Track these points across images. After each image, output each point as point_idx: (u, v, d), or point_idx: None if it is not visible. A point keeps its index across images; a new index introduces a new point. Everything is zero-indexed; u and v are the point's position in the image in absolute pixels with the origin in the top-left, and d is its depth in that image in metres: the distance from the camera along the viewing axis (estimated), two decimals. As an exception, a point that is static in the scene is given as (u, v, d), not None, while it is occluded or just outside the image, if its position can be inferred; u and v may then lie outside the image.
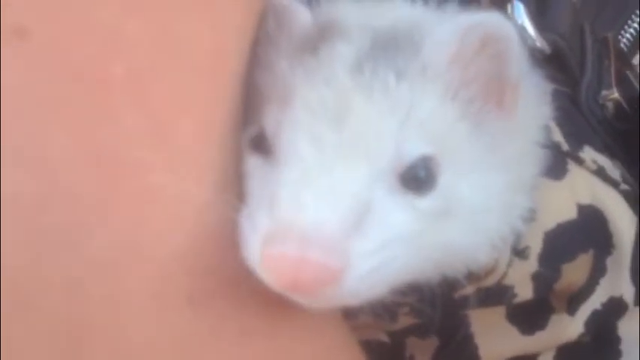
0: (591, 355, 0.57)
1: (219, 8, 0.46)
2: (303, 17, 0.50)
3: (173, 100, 0.43)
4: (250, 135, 0.47)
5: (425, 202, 0.45)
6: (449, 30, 0.47)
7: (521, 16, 0.60)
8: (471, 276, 0.52)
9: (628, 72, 0.67)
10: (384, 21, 0.49)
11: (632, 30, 0.71)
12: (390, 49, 0.46)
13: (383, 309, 0.54)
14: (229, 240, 0.43)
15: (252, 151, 0.47)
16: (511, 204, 0.50)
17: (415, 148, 0.45)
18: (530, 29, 0.60)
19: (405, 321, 0.56)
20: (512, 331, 0.56)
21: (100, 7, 0.41)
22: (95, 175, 0.41)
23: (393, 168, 0.44)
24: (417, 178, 0.45)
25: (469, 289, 0.53)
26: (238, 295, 0.44)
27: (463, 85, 0.47)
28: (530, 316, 0.56)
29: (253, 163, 0.46)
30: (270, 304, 0.43)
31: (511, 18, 0.59)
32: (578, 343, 0.56)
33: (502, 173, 0.48)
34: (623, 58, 0.67)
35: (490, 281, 0.53)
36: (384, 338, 0.58)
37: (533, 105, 0.52)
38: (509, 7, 0.60)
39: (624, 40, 0.71)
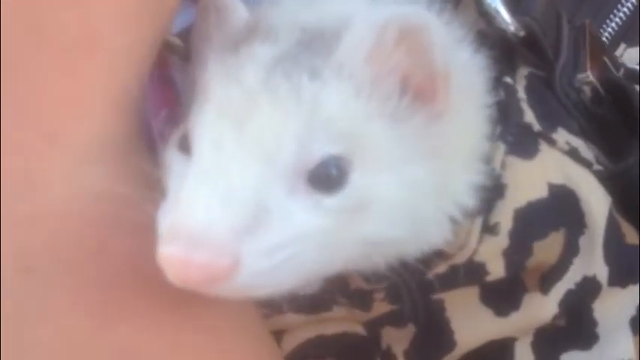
0: (568, 339, 0.56)
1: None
2: (238, 15, 0.51)
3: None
4: (179, 134, 0.48)
5: (333, 201, 0.45)
6: (364, 26, 0.46)
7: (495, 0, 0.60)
8: (442, 254, 0.52)
9: (605, 57, 0.67)
10: (314, 17, 0.49)
11: (613, 24, 0.71)
12: (312, 48, 0.47)
13: (357, 296, 0.54)
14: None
15: (178, 149, 0.48)
16: (446, 189, 0.50)
17: (321, 149, 0.45)
18: (504, 13, 0.59)
19: (380, 308, 0.56)
20: (487, 313, 0.55)
21: None
22: None
23: (298, 169, 0.45)
24: (327, 176, 0.45)
25: (442, 268, 0.53)
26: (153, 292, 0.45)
27: (379, 81, 0.47)
28: (503, 297, 0.55)
29: (177, 161, 0.48)
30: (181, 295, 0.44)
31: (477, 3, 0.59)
32: (555, 327, 0.56)
33: (431, 164, 0.48)
34: (600, 44, 0.67)
35: (461, 258, 0.52)
36: (360, 330, 0.58)
37: (471, 95, 0.52)
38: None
39: (605, 34, 0.70)
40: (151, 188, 0.47)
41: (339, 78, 0.46)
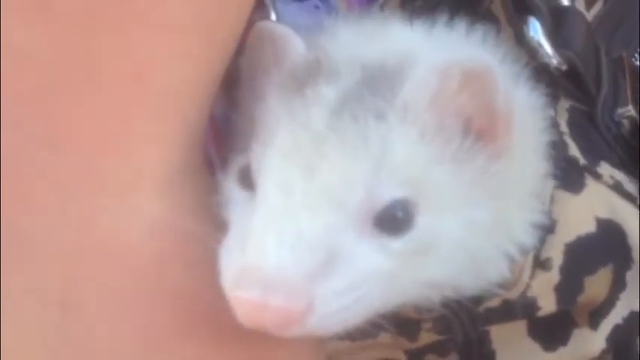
0: None
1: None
2: (295, 49, 0.50)
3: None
4: (239, 165, 0.48)
5: (400, 243, 0.45)
6: (428, 69, 0.46)
7: (537, 33, 0.60)
8: (493, 291, 0.52)
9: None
10: (375, 52, 0.49)
11: None
12: (375, 88, 0.47)
13: (405, 325, 0.54)
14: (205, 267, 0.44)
15: (239, 182, 0.48)
16: (504, 228, 0.50)
17: (388, 193, 0.45)
18: (547, 46, 0.60)
19: (426, 338, 0.55)
20: (535, 348, 0.55)
21: None
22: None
23: (365, 212, 0.45)
24: (394, 219, 0.45)
25: (495, 302, 0.52)
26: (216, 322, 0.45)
27: (443, 124, 0.47)
28: (552, 331, 0.55)
29: (238, 194, 0.48)
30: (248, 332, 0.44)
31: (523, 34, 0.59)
32: None
33: (491, 204, 0.48)
34: (637, 76, 0.67)
35: (514, 293, 0.52)
36: (402, 358, 0.57)
37: (530, 135, 0.52)
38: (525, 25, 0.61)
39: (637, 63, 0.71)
40: (213, 222, 0.46)
41: (403, 121, 0.46)
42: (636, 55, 0.73)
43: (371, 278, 0.44)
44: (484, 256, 0.49)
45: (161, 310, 0.45)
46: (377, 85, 0.47)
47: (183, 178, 0.48)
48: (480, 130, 0.47)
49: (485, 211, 0.48)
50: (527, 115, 0.52)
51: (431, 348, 0.56)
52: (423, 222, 0.46)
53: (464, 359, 0.56)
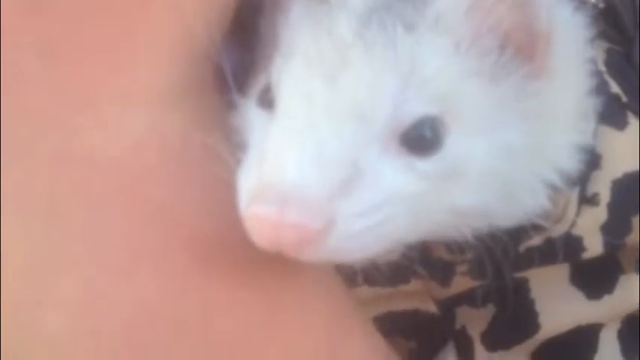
0: None
1: None
2: None
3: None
4: (259, 85, 0.45)
5: (428, 164, 0.42)
6: None
7: (573, -34, 0.58)
8: (536, 227, 0.47)
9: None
10: None
11: None
12: None
13: (437, 267, 0.50)
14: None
15: (259, 103, 0.45)
16: (543, 153, 0.46)
17: (417, 108, 0.42)
18: None
19: (460, 284, 0.51)
20: (577, 296, 0.51)
21: None
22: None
23: (392, 128, 0.41)
24: (422, 137, 0.42)
25: (536, 240, 0.48)
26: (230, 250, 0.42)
27: (479, 37, 0.43)
28: (597, 278, 0.51)
29: (257, 115, 0.44)
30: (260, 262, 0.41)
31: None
32: None
33: (528, 126, 0.45)
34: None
35: (559, 230, 0.48)
36: (433, 309, 0.53)
37: (572, 53, 0.49)
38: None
39: None
40: (226, 140, 0.43)
41: (436, 32, 0.43)
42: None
43: (395, 199, 0.41)
44: (519, 182, 0.45)
45: (144, 224, 0.42)
46: None
47: (183, 96, 0.44)
48: (518, 45, 0.44)
49: (522, 134, 0.44)
50: (570, 34, 0.48)
51: (465, 298, 0.52)
52: (453, 143, 0.42)
53: (500, 310, 0.52)
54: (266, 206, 0.38)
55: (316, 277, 0.45)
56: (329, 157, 0.40)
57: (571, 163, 0.47)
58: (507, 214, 0.46)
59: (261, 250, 0.39)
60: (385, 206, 0.40)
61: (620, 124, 0.51)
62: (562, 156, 0.47)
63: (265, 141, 0.41)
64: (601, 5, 0.56)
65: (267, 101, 0.44)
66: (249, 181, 0.41)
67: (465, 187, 0.43)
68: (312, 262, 0.40)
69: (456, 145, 0.42)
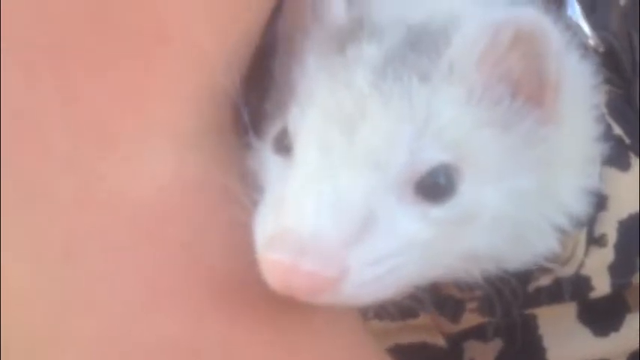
0: None
1: None
2: (337, 9, 0.48)
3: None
4: (275, 132, 0.46)
5: (441, 211, 0.42)
6: (477, 27, 0.44)
7: (576, 13, 0.58)
8: (545, 267, 0.48)
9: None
10: (419, 14, 0.47)
11: None
12: (420, 47, 0.44)
13: (447, 304, 0.50)
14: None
15: (275, 149, 0.45)
16: (553, 197, 0.47)
17: (432, 157, 0.42)
18: (585, 27, 0.58)
19: (469, 320, 0.52)
20: (584, 333, 0.52)
21: None
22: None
23: (407, 177, 0.42)
24: (436, 185, 0.42)
25: (545, 280, 0.49)
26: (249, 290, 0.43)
27: (490, 85, 0.44)
28: (604, 316, 0.52)
29: (273, 160, 0.45)
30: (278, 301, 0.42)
31: (559, 15, 0.58)
32: None
33: (538, 172, 0.45)
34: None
35: (568, 271, 0.49)
36: (441, 342, 0.54)
37: (580, 100, 0.49)
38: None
39: None
40: (243, 181, 0.44)
41: (449, 82, 0.43)
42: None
43: (409, 247, 0.42)
44: (530, 227, 0.46)
45: (164, 266, 0.43)
46: (421, 45, 0.44)
47: (202, 139, 0.45)
48: (528, 93, 0.45)
49: (532, 180, 0.45)
50: (578, 82, 0.49)
51: (472, 333, 0.53)
52: (466, 190, 0.43)
53: (508, 344, 0.52)
54: (282, 253, 0.39)
55: (333, 315, 0.45)
56: (346, 205, 0.40)
57: (579, 206, 0.48)
58: (517, 257, 0.47)
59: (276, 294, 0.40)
60: (399, 253, 0.41)
61: (623, 165, 0.52)
62: (571, 200, 0.48)
63: (283, 187, 0.42)
64: (601, 49, 0.57)
65: (283, 147, 0.45)
66: (267, 225, 0.41)
67: (476, 232, 0.44)
68: (325, 306, 0.41)
69: (469, 191, 0.43)
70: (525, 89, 0.45)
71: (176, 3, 0.43)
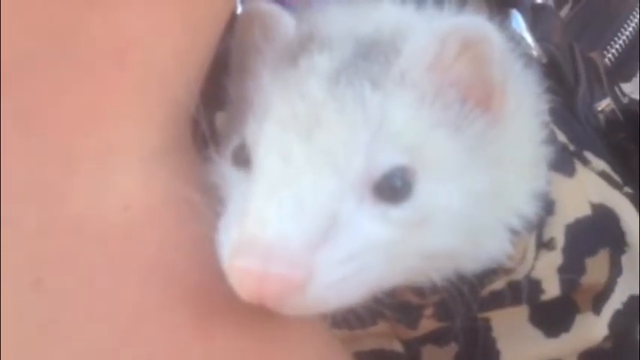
0: None
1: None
2: (286, 25, 0.50)
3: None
4: (233, 146, 0.47)
5: (399, 212, 0.44)
6: (426, 36, 0.46)
7: (520, 25, 0.61)
8: (498, 271, 0.50)
9: (615, 87, 0.68)
10: (367, 27, 0.48)
11: (613, 50, 0.73)
12: (370, 57, 0.46)
13: (405, 311, 0.51)
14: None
15: (234, 162, 0.46)
16: (505, 198, 0.49)
17: (388, 160, 0.44)
18: (529, 38, 0.60)
19: (426, 325, 0.53)
20: (536, 334, 0.53)
21: None
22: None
23: (365, 180, 0.43)
24: (393, 187, 0.44)
25: (498, 284, 0.51)
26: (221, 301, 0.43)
27: (441, 90, 0.46)
28: (554, 317, 0.53)
29: (234, 175, 0.46)
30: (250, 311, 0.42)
31: (506, 26, 0.60)
32: (599, 349, 0.54)
33: (490, 173, 0.47)
34: (610, 74, 0.69)
35: (519, 274, 0.50)
36: (398, 348, 0.55)
37: (525, 104, 0.51)
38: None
39: (609, 55, 0.73)
40: (207, 196, 0.44)
41: (401, 87, 0.45)
42: (605, 52, 0.76)
43: (372, 247, 0.43)
44: (484, 226, 0.48)
45: (139, 286, 0.43)
46: (371, 55, 0.46)
47: (164, 155, 0.45)
48: (477, 98, 0.47)
49: (484, 180, 0.47)
50: (521, 87, 0.51)
51: (430, 337, 0.54)
52: (422, 190, 0.44)
53: (463, 348, 0.54)
54: (249, 259, 0.40)
55: (303, 322, 0.46)
56: (308, 210, 0.41)
57: (529, 208, 0.50)
58: (473, 257, 0.48)
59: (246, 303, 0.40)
60: (362, 254, 0.42)
61: (569, 171, 0.54)
62: (521, 202, 0.49)
63: (244, 198, 0.43)
64: (544, 60, 0.59)
65: (242, 160, 0.45)
66: (231, 236, 0.42)
67: (434, 232, 0.45)
68: (294, 315, 0.42)
69: (425, 191, 0.44)
70: (474, 93, 0.47)
71: (135, 23, 0.43)
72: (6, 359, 0.39)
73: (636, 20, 0.77)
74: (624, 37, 0.76)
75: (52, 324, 0.40)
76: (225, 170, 0.46)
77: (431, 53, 0.45)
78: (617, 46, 0.76)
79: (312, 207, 0.42)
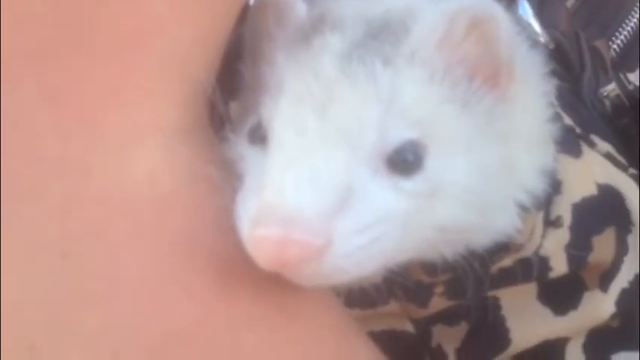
0: (620, 340, 0.55)
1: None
2: (298, 10, 0.51)
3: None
4: (250, 125, 0.48)
5: (411, 184, 0.45)
6: (436, 15, 0.48)
7: (527, 12, 0.62)
8: (507, 248, 0.51)
9: (620, 74, 0.69)
10: (378, 9, 0.50)
11: (618, 41, 0.75)
12: (381, 37, 0.48)
13: (416, 289, 0.52)
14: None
15: (250, 140, 0.48)
16: (513, 173, 0.50)
17: (400, 134, 0.46)
18: (536, 25, 0.61)
19: (437, 304, 0.54)
20: (545, 312, 0.54)
21: None
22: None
23: (378, 152, 0.45)
24: (405, 161, 0.45)
25: (508, 262, 0.52)
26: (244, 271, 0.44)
27: (450, 68, 0.47)
28: (562, 295, 0.54)
29: (250, 152, 0.47)
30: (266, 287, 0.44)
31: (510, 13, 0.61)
32: (607, 327, 0.55)
33: (498, 148, 0.49)
34: (615, 61, 0.70)
35: (528, 251, 0.52)
36: (409, 328, 0.56)
37: (531, 83, 0.53)
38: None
39: (614, 46, 0.74)
40: (221, 173, 0.46)
41: (411, 65, 0.47)
42: (613, 39, 0.77)
43: (386, 217, 0.44)
44: (493, 201, 0.49)
45: (165, 256, 0.44)
46: (382, 35, 0.48)
47: (186, 132, 0.47)
48: (485, 75, 0.48)
49: (493, 155, 0.48)
50: (528, 66, 0.53)
51: (440, 316, 0.55)
52: (432, 164, 0.46)
53: (473, 327, 0.55)
54: (270, 227, 0.41)
55: (319, 297, 0.48)
56: (324, 180, 0.43)
57: (537, 184, 0.51)
58: (484, 231, 0.50)
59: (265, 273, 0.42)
60: (377, 224, 0.44)
61: (575, 152, 0.55)
62: (529, 178, 0.51)
63: (262, 171, 0.44)
64: (551, 46, 0.61)
65: (258, 138, 0.47)
66: (249, 207, 0.43)
67: (446, 205, 0.46)
68: (311, 285, 0.43)
69: (436, 165, 0.46)
70: (482, 71, 0.48)
71: (156, 6, 0.45)
72: (38, 328, 0.41)
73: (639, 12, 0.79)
74: (629, 29, 0.77)
75: (82, 293, 0.42)
76: (242, 149, 0.48)
77: (440, 32, 0.47)
78: (622, 37, 0.77)
79: (328, 178, 0.43)
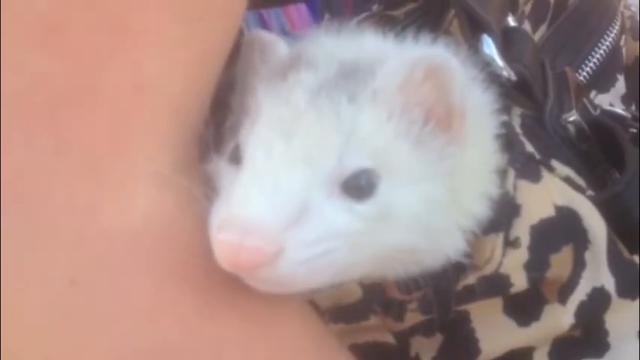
0: (582, 348, 0.61)
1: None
2: (280, 48, 0.58)
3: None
4: (230, 148, 0.54)
5: (363, 207, 0.51)
6: (399, 62, 0.54)
7: (490, 48, 0.67)
8: (469, 267, 0.57)
9: (584, 99, 0.74)
10: (351, 52, 0.56)
11: (585, 73, 0.80)
12: (350, 77, 0.54)
13: (391, 305, 0.58)
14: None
15: (230, 161, 0.54)
16: (459, 203, 0.55)
17: (356, 162, 0.51)
18: (499, 60, 0.67)
19: (412, 318, 0.60)
20: (510, 324, 0.60)
21: None
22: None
23: (335, 177, 0.51)
24: (358, 186, 0.51)
25: (471, 279, 0.57)
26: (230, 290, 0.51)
27: (408, 108, 0.53)
28: (525, 308, 0.60)
29: (228, 171, 0.53)
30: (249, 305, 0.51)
31: (477, 50, 0.66)
32: (570, 337, 0.61)
33: (446, 182, 0.54)
34: (580, 88, 0.75)
35: (489, 270, 0.57)
36: (390, 340, 0.62)
37: (481, 121, 0.59)
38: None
39: (588, 67, 0.79)
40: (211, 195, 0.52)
41: (373, 103, 0.53)
42: (579, 71, 0.81)
43: (336, 234, 0.50)
44: (439, 227, 0.54)
45: (162, 282, 0.50)
46: (351, 76, 0.54)
47: (177, 171, 0.53)
48: (438, 118, 0.54)
49: (440, 188, 0.54)
50: (481, 110, 0.59)
51: (417, 329, 0.61)
52: (384, 191, 0.52)
53: (447, 338, 0.61)
54: (230, 233, 0.48)
55: (301, 311, 0.54)
56: (283, 196, 0.49)
57: (483, 210, 0.57)
58: (432, 253, 0.56)
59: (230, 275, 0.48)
60: (327, 240, 0.49)
61: (535, 177, 0.60)
62: (474, 205, 0.57)
63: (233, 186, 0.51)
64: (514, 79, 0.66)
65: (236, 159, 0.53)
66: (219, 214, 0.50)
67: (394, 229, 0.52)
68: (267, 289, 0.50)
69: (387, 193, 0.52)
70: (436, 114, 0.54)
71: (150, 62, 0.51)
72: (53, 345, 0.48)
73: (615, 32, 0.83)
74: (604, 48, 0.81)
75: (88, 315, 0.49)
76: (222, 168, 0.54)
77: (401, 76, 0.53)
78: (596, 59, 0.81)
79: (286, 194, 0.49)
